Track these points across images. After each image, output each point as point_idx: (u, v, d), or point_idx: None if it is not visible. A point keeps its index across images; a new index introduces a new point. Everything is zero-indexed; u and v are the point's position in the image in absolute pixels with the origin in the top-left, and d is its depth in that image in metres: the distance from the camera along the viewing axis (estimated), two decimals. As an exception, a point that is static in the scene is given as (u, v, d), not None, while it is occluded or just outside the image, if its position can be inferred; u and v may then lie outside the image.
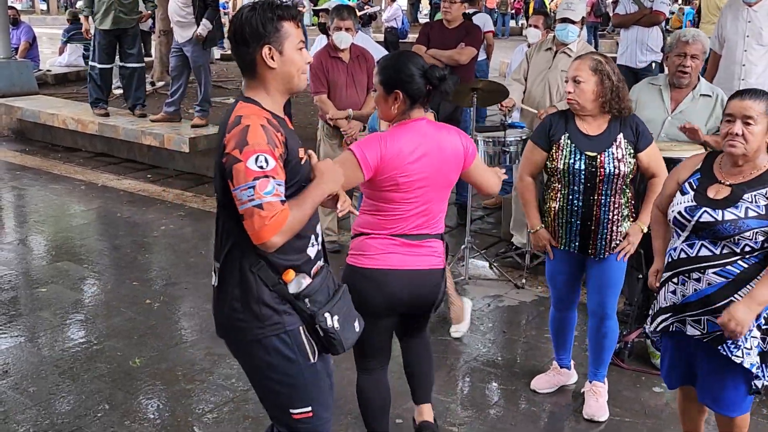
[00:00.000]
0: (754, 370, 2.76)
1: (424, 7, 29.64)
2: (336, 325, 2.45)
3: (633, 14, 7.82)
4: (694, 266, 2.78)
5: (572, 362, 3.99)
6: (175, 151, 8.20)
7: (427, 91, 2.89)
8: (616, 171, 3.40)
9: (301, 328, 2.43)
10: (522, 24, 27.82)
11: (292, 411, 2.52)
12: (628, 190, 3.52)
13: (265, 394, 2.56)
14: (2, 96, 10.10)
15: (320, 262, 2.55)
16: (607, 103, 3.42)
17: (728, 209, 2.72)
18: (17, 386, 3.89)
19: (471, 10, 10.78)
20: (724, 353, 2.76)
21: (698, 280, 2.78)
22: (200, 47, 8.14)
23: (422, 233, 2.98)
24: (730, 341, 2.74)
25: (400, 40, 17.89)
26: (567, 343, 3.91)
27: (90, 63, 9.03)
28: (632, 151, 3.44)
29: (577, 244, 3.57)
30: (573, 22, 5.18)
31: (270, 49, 2.32)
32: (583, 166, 3.44)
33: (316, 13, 11.33)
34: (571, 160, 3.46)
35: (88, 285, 5.29)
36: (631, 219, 3.56)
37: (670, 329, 2.92)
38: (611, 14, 13.89)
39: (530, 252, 5.40)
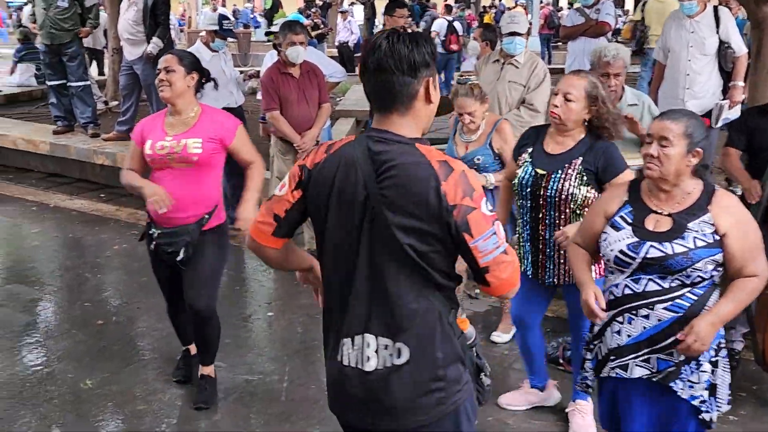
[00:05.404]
0: (696, 403, 2.64)
1: (380, 22, 29.76)
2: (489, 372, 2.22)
3: (579, 26, 7.97)
4: (642, 302, 2.63)
5: (551, 382, 3.89)
6: (129, 170, 8.10)
7: None
8: (557, 194, 3.30)
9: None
10: (474, 37, 28.06)
11: None
12: (580, 219, 3.29)
13: None
14: (-50, 117, 9.92)
15: None
16: (603, 130, 3.33)
17: (675, 241, 2.57)
18: (-36, 413, 3.82)
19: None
20: (675, 388, 2.64)
21: (647, 316, 2.63)
22: (150, 65, 8.09)
23: None
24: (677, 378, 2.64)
25: (356, 55, 18.03)
26: (533, 363, 3.82)
27: None
28: (586, 178, 3.29)
29: (529, 265, 3.52)
30: (520, 35, 5.27)
31: (432, 81, 2.05)
32: (530, 183, 3.38)
33: (269, 33, 11.39)
34: (524, 176, 3.41)
35: (39, 307, 5.20)
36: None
37: (611, 374, 2.76)
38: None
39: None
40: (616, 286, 2.69)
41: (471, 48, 6.48)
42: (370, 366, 2.04)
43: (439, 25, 14.90)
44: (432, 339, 2.03)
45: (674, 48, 6.15)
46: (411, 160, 1.97)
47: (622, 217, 2.70)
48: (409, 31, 2.05)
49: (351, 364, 2.06)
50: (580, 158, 3.31)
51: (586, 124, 3.36)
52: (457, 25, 14.47)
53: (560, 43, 20.63)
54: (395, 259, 1.98)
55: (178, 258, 3.61)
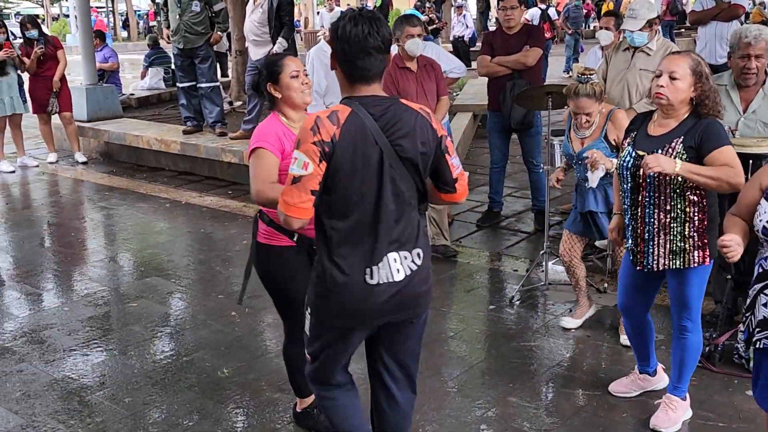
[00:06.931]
0: None
1: (494, 15, 29.52)
2: None
3: (710, 9, 7.64)
4: None
5: (660, 366, 3.89)
6: (254, 167, 8.37)
7: None
8: (657, 174, 3.22)
9: None
10: (594, 26, 27.40)
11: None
12: (683, 201, 3.30)
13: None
14: (90, 120, 10.53)
15: None
16: (703, 107, 3.24)
17: None
18: (113, 397, 4.05)
19: None
20: None
21: None
22: (275, 65, 8.32)
23: None
24: None
25: (471, 49, 17.99)
26: (642, 350, 3.78)
27: None
28: (687, 157, 3.20)
29: (630, 248, 3.49)
30: (632, 31, 5.10)
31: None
32: (630, 165, 3.36)
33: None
34: (625, 158, 3.40)
35: (176, 299, 5.46)
36: (690, 234, 3.33)
37: (759, 345, 2.73)
38: (687, 12, 13.76)
39: (611, 255, 5.31)
40: (765, 259, 2.67)
41: (603, 37, 6.27)
42: (399, 276, 2.64)
43: (532, 14, 15.51)
44: (427, 239, 2.78)
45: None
46: (407, 112, 2.59)
47: None
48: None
49: (382, 281, 2.62)
50: (682, 137, 3.25)
51: (692, 103, 3.26)
52: (551, 12, 15.45)
53: (683, 30, 19.86)
54: (408, 187, 2.62)
55: None
